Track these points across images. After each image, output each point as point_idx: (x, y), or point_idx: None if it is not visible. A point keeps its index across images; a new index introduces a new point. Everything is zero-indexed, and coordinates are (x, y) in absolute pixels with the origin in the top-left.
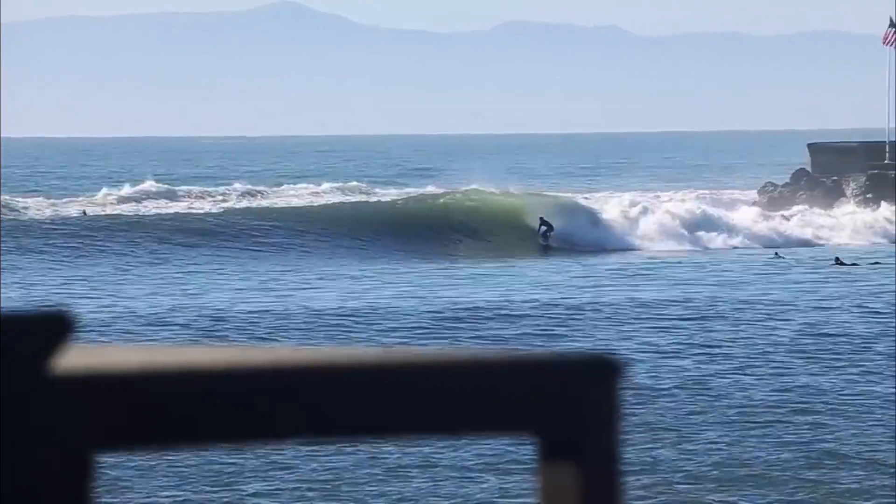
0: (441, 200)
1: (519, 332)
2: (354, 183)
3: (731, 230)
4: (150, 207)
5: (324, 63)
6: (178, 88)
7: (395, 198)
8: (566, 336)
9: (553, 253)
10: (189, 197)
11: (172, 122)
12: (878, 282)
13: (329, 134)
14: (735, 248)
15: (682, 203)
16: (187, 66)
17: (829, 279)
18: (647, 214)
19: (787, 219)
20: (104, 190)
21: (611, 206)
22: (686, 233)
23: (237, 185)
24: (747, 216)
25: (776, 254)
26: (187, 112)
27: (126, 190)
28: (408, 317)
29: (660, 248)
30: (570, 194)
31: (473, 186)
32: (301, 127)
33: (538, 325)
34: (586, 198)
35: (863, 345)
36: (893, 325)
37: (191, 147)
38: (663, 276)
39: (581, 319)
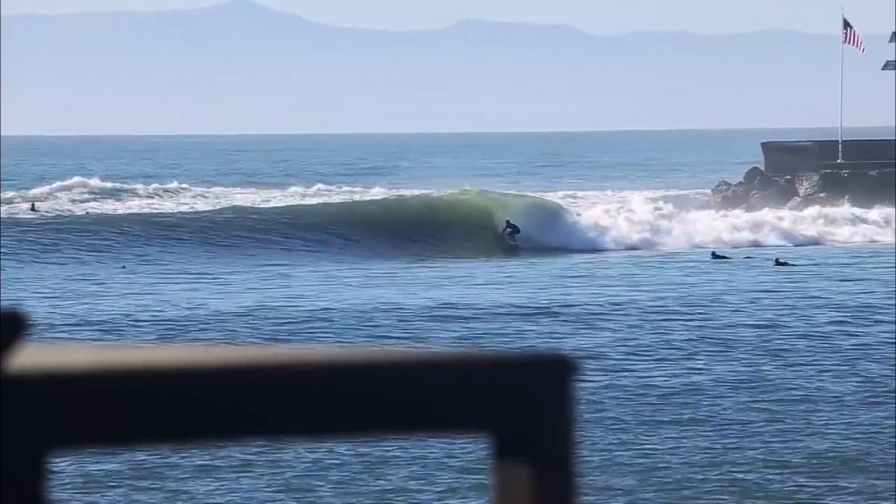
0: (407, 201)
1: (476, 332)
2: (292, 189)
3: (691, 230)
4: (103, 206)
5: (281, 62)
6: (128, 86)
7: (350, 199)
8: (523, 335)
9: (518, 254)
10: (128, 195)
11: (120, 119)
12: (817, 283)
13: (281, 133)
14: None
15: (641, 203)
16: (139, 64)
17: (771, 280)
18: (610, 215)
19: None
20: (36, 188)
21: (574, 207)
22: (647, 234)
23: (178, 184)
24: (710, 216)
25: (713, 254)
26: (136, 109)
27: (58, 186)
28: (364, 316)
29: (621, 250)
30: (533, 193)
31: (464, 188)
32: (254, 125)
33: (496, 325)
34: (536, 195)
35: (812, 344)
36: (840, 324)
37: (134, 145)
38: (611, 277)
39: (538, 319)
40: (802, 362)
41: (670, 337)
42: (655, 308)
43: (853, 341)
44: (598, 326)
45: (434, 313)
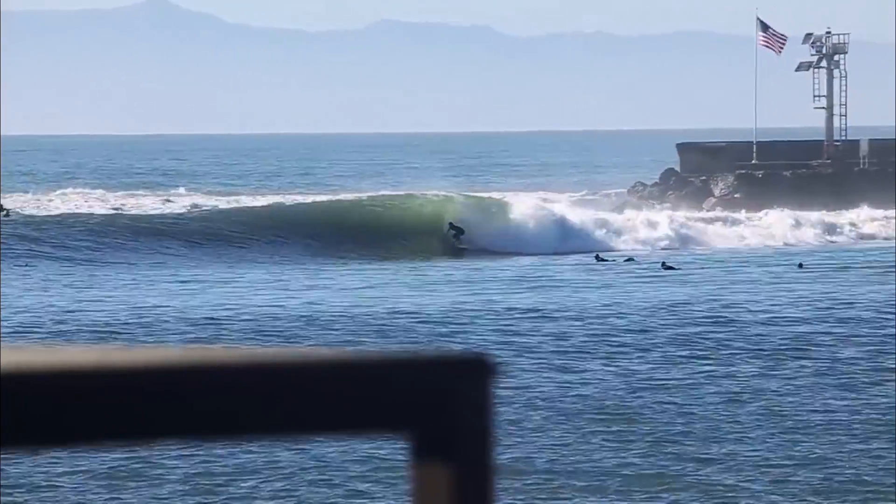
0: (351, 203)
1: (406, 333)
2: (186, 197)
3: (613, 233)
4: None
5: (197, 63)
6: (41, 85)
7: (303, 201)
8: (446, 337)
9: (463, 256)
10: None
11: (29, 118)
12: (701, 286)
13: (199, 133)
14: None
15: (569, 205)
16: (52, 65)
17: (655, 282)
18: (550, 216)
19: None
20: None
21: (519, 207)
22: (574, 236)
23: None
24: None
25: (597, 256)
26: (48, 109)
27: None
28: (294, 319)
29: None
30: (470, 194)
31: (408, 189)
32: (169, 126)
33: (426, 326)
34: (474, 195)
35: (706, 346)
36: (733, 326)
37: (39, 144)
38: (536, 281)
39: (460, 321)
40: (683, 364)
41: (580, 339)
42: (562, 312)
43: (741, 344)
44: (509, 329)
45: (368, 316)
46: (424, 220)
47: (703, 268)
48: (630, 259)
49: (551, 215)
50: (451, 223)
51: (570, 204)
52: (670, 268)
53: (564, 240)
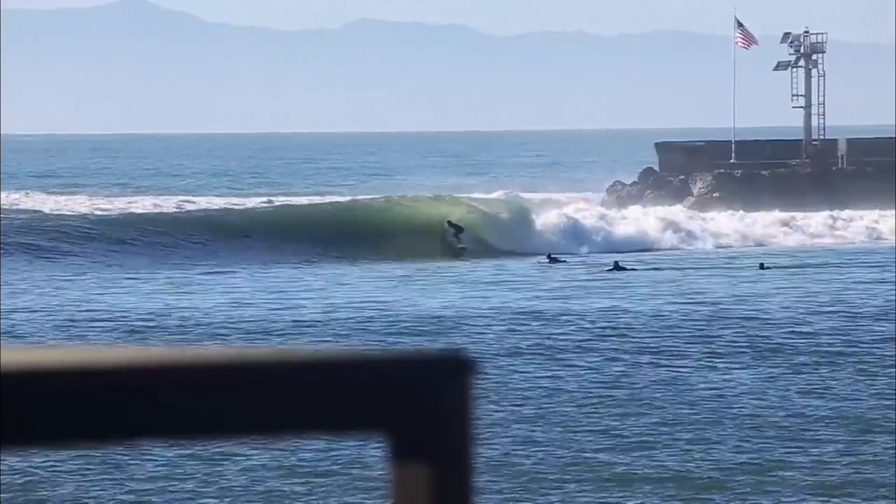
0: (353, 205)
1: (391, 333)
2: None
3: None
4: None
5: (175, 62)
6: (24, 85)
7: (294, 203)
8: (440, 336)
9: (462, 255)
10: None
11: (18, 118)
12: (646, 287)
13: (180, 132)
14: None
15: (569, 207)
16: (30, 64)
17: (604, 284)
18: (564, 217)
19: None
20: None
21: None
22: (554, 238)
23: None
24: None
25: (548, 255)
26: (28, 108)
27: None
28: (275, 320)
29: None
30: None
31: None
32: (151, 125)
33: (411, 327)
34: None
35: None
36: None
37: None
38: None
39: (455, 320)
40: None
41: (544, 340)
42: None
43: (702, 348)
44: (488, 330)
45: (359, 316)
46: (422, 220)
47: (656, 268)
48: (582, 261)
49: (554, 217)
50: (449, 221)
51: (561, 204)
52: (622, 269)
53: (569, 240)
